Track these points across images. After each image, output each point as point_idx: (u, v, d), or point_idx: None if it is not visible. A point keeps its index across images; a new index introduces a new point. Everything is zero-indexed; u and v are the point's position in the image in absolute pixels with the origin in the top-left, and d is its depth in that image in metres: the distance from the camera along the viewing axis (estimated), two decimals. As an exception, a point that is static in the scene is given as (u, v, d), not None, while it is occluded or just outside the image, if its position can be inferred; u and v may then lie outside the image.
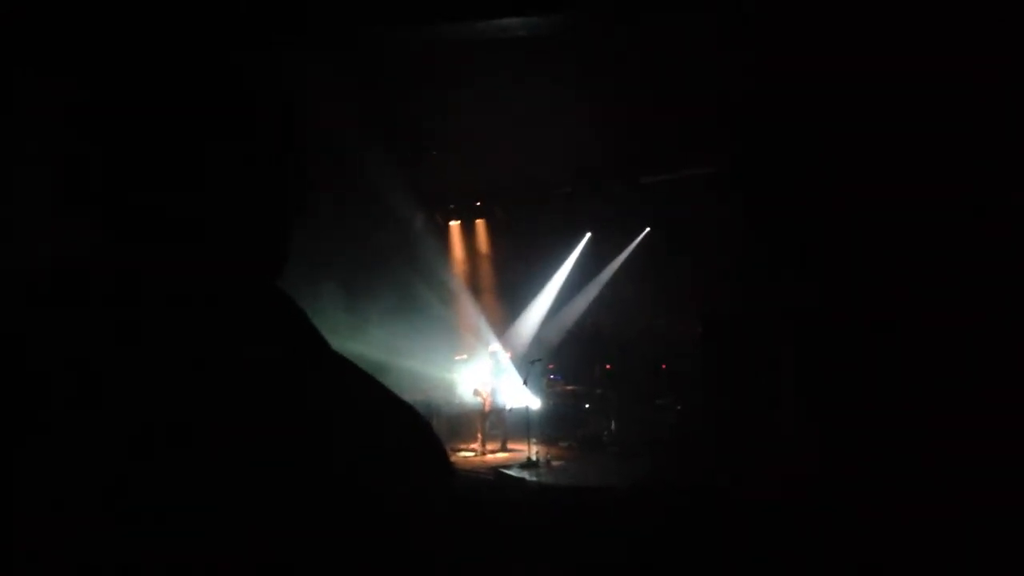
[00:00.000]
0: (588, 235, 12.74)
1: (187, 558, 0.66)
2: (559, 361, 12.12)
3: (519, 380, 9.78)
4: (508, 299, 12.99)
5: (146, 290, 0.74)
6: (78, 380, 0.69)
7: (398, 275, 10.96)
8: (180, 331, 0.74)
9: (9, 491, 0.65)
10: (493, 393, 10.38)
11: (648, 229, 12.18)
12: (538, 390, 10.63)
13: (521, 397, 9.90)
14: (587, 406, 10.93)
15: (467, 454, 9.94)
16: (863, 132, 6.16)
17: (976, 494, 4.85)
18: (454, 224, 12.97)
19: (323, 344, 0.83)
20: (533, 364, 9.66)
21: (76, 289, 0.74)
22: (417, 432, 0.84)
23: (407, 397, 0.85)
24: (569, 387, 11.30)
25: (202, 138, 0.76)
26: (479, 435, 10.28)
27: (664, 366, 11.42)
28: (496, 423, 10.43)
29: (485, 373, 10.56)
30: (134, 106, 0.75)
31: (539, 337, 12.72)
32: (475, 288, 12.93)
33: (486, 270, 13.05)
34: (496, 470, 8.60)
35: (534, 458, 8.78)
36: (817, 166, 6.82)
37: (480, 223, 12.87)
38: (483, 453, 9.95)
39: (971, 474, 5.04)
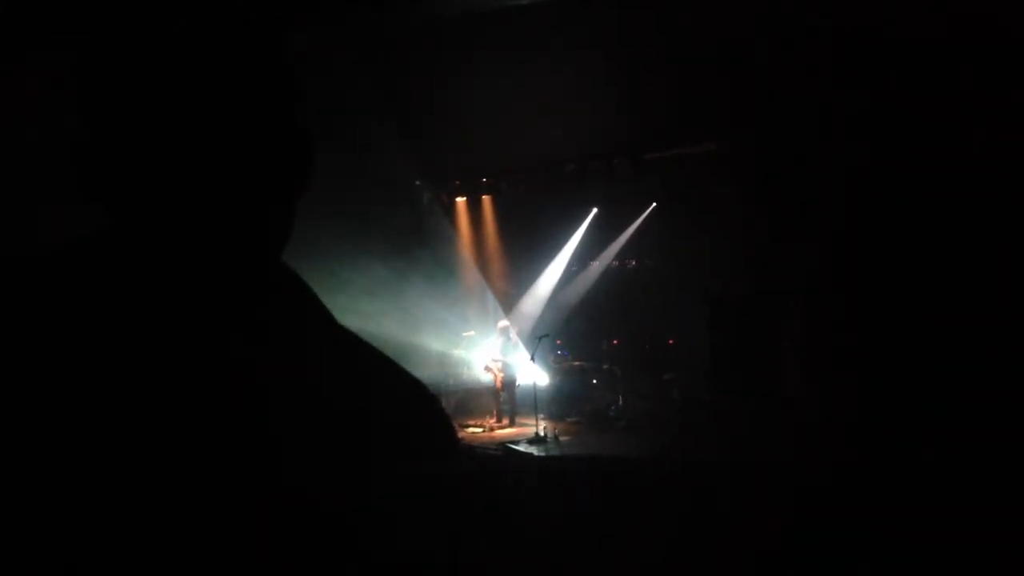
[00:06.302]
0: (594, 211, 12.70)
1: (199, 534, 0.67)
2: (566, 337, 12.13)
3: (527, 356, 9.80)
4: (515, 275, 12.98)
5: (151, 270, 0.75)
6: (85, 362, 0.69)
7: (405, 252, 10.95)
8: (187, 309, 0.74)
9: (17, 469, 0.66)
10: (504, 369, 10.40)
11: (654, 204, 12.13)
12: (546, 366, 10.64)
13: (529, 373, 9.93)
14: (594, 381, 10.95)
15: (475, 430, 9.99)
16: (872, 111, 6.12)
17: (975, 474, 4.87)
18: (460, 201, 12.93)
19: (331, 320, 0.84)
20: (540, 340, 9.67)
21: (82, 273, 0.74)
22: (425, 407, 0.84)
23: (415, 373, 0.85)
24: (576, 363, 11.32)
25: (205, 117, 0.75)
26: (495, 411, 10.35)
27: (671, 341, 11.43)
28: (506, 399, 10.47)
29: (495, 349, 10.58)
30: (136, 88, 0.74)
31: (546, 313, 12.72)
32: (482, 264, 12.93)
33: (493, 246, 13.03)
34: (504, 445, 8.64)
35: (542, 433, 8.82)
36: (825, 145, 6.78)
37: (487, 200, 12.83)
38: (492, 428, 10.00)
39: (972, 455, 5.06)
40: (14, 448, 0.66)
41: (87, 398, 0.68)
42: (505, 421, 10.22)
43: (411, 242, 11.31)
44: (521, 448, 8.48)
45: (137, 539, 0.66)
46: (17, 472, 0.65)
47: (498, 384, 10.42)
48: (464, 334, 11.62)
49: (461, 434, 9.57)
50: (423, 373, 9.85)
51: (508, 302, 12.82)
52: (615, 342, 11.66)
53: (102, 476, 0.66)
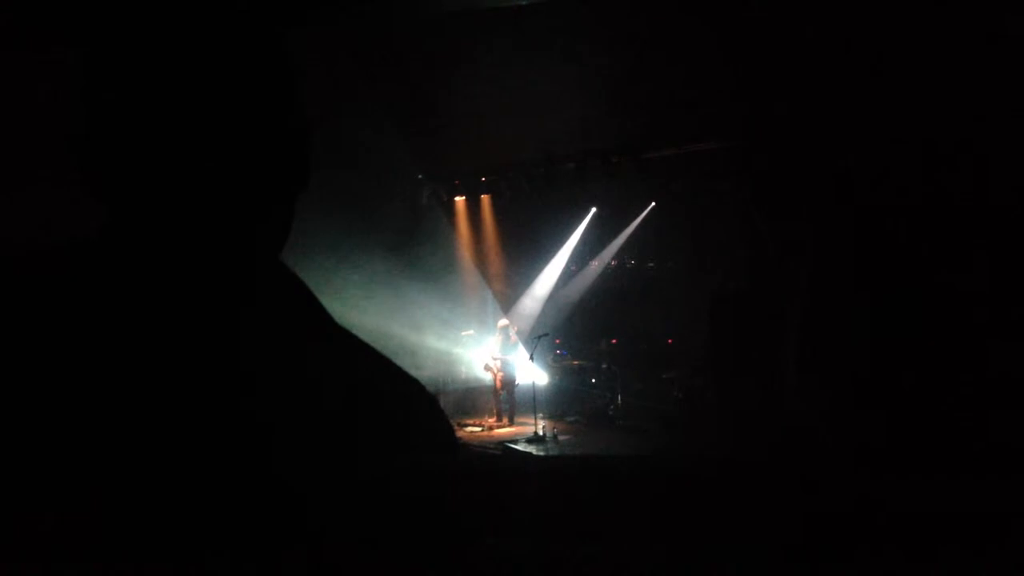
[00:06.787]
0: (593, 210, 12.71)
1: (197, 530, 0.67)
2: (565, 336, 12.14)
3: (526, 355, 9.82)
4: (514, 274, 13.00)
5: (150, 268, 0.75)
6: (84, 359, 0.69)
7: (404, 252, 10.96)
8: (184, 307, 0.74)
9: (19, 466, 0.66)
10: (504, 367, 10.41)
11: (653, 204, 12.14)
12: (544, 365, 10.65)
13: (528, 372, 9.94)
14: (593, 381, 10.97)
15: (474, 429, 10.00)
16: (873, 111, 6.13)
17: (975, 473, 4.88)
18: (460, 200, 12.94)
19: (329, 319, 0.83)
20: (539, 339, 9.68)
21: (83, 268, 0.74)
22: (424, 407, 0.84)
23: (414, 372, 0.85)
24: (575, 362, 11.33)
25: (203, 116, 0.75)
26: (496, 410, 10.35)
27: (670, 340, 11.44)
28: (505, 398, 10.49)
29: (495, 348, 10.60)
30: (138, 86, 0.74)
31: (545, 312, 12.74)
32: (481, 264, 12.94)
33: (492, 245, 13.03)
34: (503, 445, 8.65)
35: (541, 432, 8.83)
36: (824, 145, 6.78)
37: (486, 199, 12.84)
38: (491, 428, 10.01)
39: (973, 454, 5.07)
40: (12, 445, 0.66)
41: (84, 394, 0.68)
42: (504, 420, 10.24)
43: (410, 241, 11.31)
44: (520, 447, 8.49)
45: (133, 534, 0.65)
46: (16, 466, 0.65)
47: (497, 383, 10.43)
48: (463, 333, 11.62)
49: (460, 433, 9.57)
50: (422, 372, 9.87)
51: (507, 301, 12.84)
52: (614, 341, 11.67)
53: (98, 470, 0.66)
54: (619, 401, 10.27)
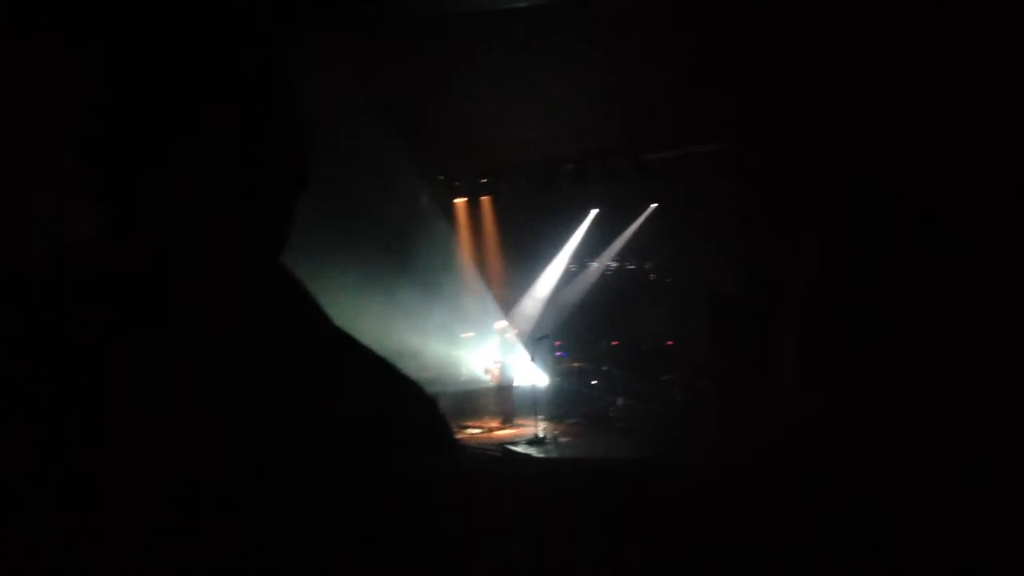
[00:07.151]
0: (594, 212, 12.71)
1: (190, 529, 0.67)
2: (565, 338, 12.13)
3: (526, 357, 9.81)
4: (515, 276, 13.00)
5: (150, 269, 0.74)
6: (84, 360, 0.69)
7: (404, 254, 10.95)
8: (186, 308, 0.74)
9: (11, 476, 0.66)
10: (503, 370, 10.41)
11: (654, 205, 12.14)
12: (545, 367, 10.65)
13: (528, 374, 9.92)
14: (593, 382, 10.96)
15: (475, 431, 10.00)
16: (874, 112, 6.13)
17: (973, 473, 4.88)
18: (460, 201, 12.93)
19: (328, 322, 0.83)
20: (540, 341, 9.67)
21: (77, 277, 0.74)
22: (423, 408, 0.84)
23: (413, 374, 0.85)
24: (575, 364, 11.33)
25: (203, 116, 0.75)
26: (496, 412, 10.37)
27: (671, 342, 11.44)
28: (505, 400, 10.49)
29: (494, 350, 10.59)
30: (138, 87, 0.74)
31: (546, 314, 12.73)
32: (481, 265, 12.93)
33: (492, 247, 13.03)
34: (503, 447, 8.64)
35: (541, 435, 8.82)
36: (824, 145, 6.79)
37: (486, 200, 12.83)
38: (491, 430, 10.01)
39: (969, 454, 5.08)
40: (12, 445, 0.66)
41: (84, 394, 0.68)
42: (495, 422, 10.24)
43: (410, 243, 11.31)
44: (520, 449, 8.48)
45: (133, 534, 0.65)
46: (16, 466, 0.65)
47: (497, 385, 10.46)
48: (463, 335, 11.62)
49: (460, 435, 9.56)
50: (423, 374, 9.89)
51: (508, 303, 12.83)
52: (614, 343, 11.67)
53: (98, 470, 0.66)
54: (619, 403, 10.26)
